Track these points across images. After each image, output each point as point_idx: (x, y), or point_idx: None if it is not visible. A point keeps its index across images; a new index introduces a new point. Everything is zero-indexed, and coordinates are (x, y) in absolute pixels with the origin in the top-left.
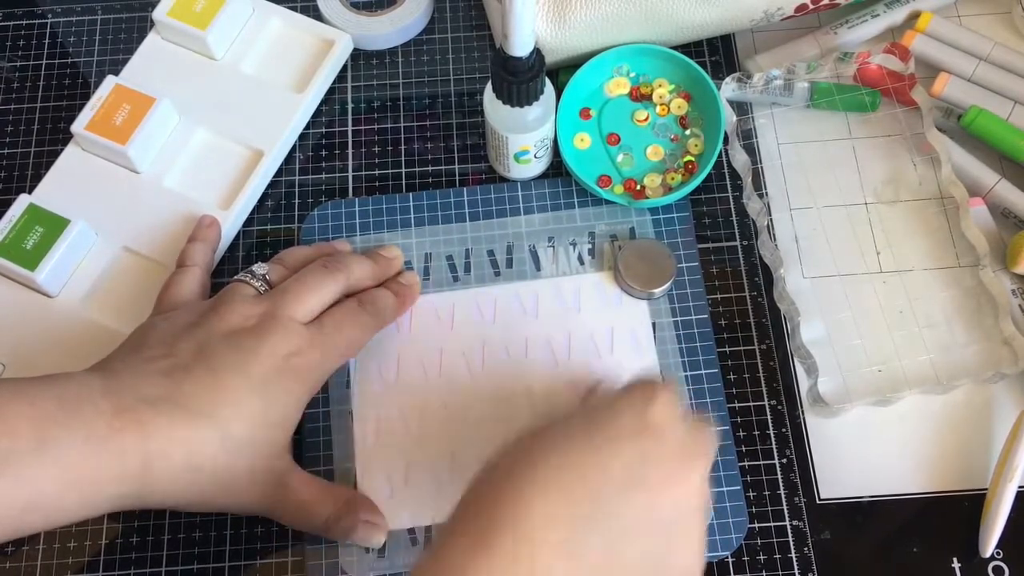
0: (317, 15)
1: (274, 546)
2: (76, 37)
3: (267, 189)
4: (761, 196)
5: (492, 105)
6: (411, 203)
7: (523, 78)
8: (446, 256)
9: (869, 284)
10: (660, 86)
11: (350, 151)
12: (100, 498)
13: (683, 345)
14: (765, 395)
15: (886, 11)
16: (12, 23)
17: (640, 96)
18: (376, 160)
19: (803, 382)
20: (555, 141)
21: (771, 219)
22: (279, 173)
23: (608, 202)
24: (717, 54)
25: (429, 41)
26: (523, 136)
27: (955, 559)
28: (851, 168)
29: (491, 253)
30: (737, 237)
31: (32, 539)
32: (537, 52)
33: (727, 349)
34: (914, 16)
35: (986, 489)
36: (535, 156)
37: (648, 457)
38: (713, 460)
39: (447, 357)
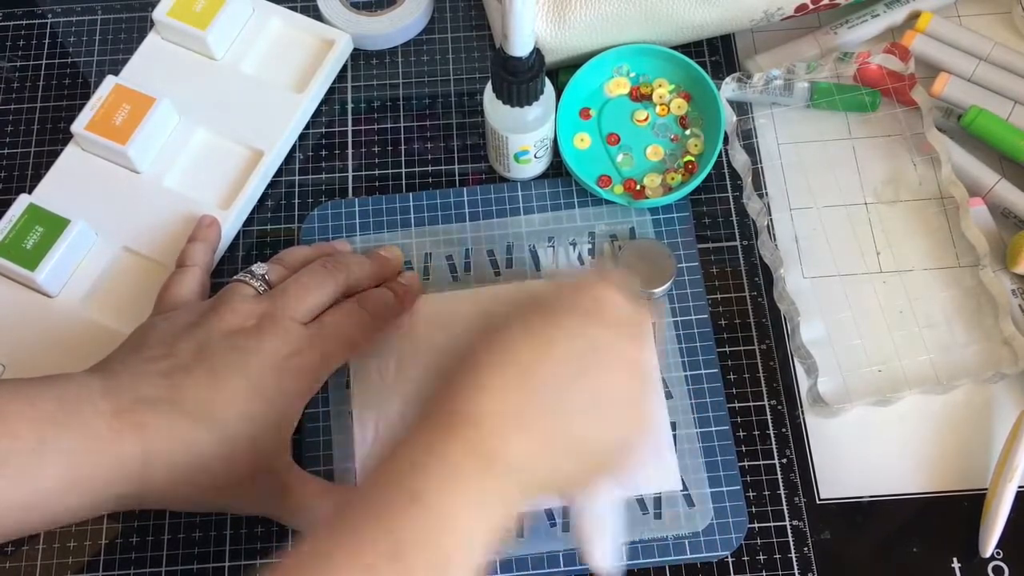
0: (317, 15)
1: (274, 546)
2: (76, 37)
3: (267, 189)
4: (761, 196)
5: (492, 105)
6: (411, 203)
7: (523, 78)
8: (446, 256)
9: (869, 284)
10: (660, 86)
11: (350, 151)
12: (100, 498)
13: (683, 345)
14: (765, 395)
15: (886, 11)
16: (12, 23)
17: (640, 96)
18: (376, 160)
19: (803, 382)
20: (555, 141)
21: (771, 219)
22: (279, 173)
23: (608, 202)
24: (717, 54)
25: (429, 41)
26: (523, 136)
27: (955, 559)
28: (851, 168)
29: (491, 253)
30: (737, 237)
31: (32, 539)
32: (537, 52)
33: (727, 349)
34: (914, 16)
35: (986, 489)
36: (535, 156)
37: (593, 338)
38: (654, 333)
39: (447, 357)
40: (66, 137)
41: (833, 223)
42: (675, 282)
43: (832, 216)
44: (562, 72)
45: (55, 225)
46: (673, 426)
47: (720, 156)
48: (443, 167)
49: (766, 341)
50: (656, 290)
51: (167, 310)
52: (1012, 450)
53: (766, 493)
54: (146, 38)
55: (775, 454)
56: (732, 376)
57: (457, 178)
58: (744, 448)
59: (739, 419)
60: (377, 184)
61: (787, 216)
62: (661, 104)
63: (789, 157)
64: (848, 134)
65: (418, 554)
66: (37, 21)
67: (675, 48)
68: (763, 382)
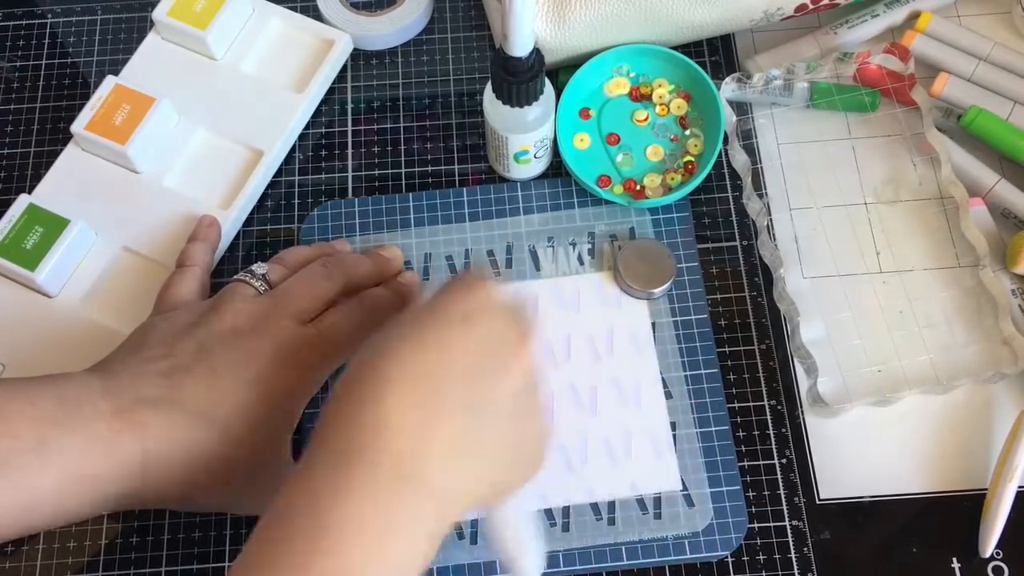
0: (317, 15)
1: None
2: (76, 37)
3: (267, 189)
4: (761, 196)
5: (492, 105)
6: (411, 203)
7: (523, 78)
8: (446, 256)
9: (869, 284)
10: (660, 86)
11: (350, 151)
12: (100, 498)
13: (683, 345)
14: (765, 395)
15: (886, 11)
16: (12, 23)
17: (640, 96)
18: (376, 160)
19: (803, 382)
20: (555, 141)
21: (771, 219)
22: (279, 173)
23: (608, 202)
24: (717, 54)
25: (429, 41)
26: (523, 136)
27: (955, 559)
28: (851, 168)
29: (491, 253)
30: (737, 237)
31: (32, 539)
32: (537, 52)
33: (727, 349)
34: (914, 16)
35: (986, 489)
36: (535, 156)
37: (481, 344)
38: (530, 339)
39: None
40: (66, 137)
41: (833, 223)
42: (675, 282)
43: (832, 216)
44: (562, 72)
45: (55, 225)
46: (673, 426)
47: (720, 156)
48: (443, 167)
49: (766, 341)
50: (656, 290)
51: (167, 310)
52: (1012, 450)
53: (766, 493)
54: (146, 38)
55: (775, 454)
56: (732, 376)
57: (457, 178)
58: (744, 448)
59: (739, 419)
60: (377, 184)
61: (787, 216)
62: (661, 104)
63: (789, 157)
64: (848, 134)
65: None
66: (37, 21)
67: (675, 48)
68: (763, 382)
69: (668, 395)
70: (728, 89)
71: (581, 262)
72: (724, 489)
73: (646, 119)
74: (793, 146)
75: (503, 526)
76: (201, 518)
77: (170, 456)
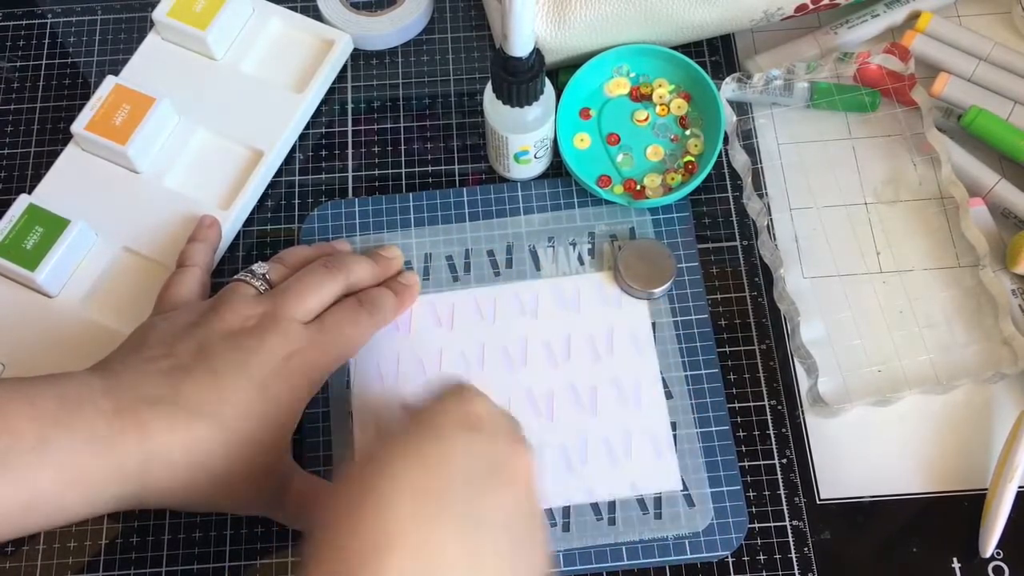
0: (317, 15)
1: (274, 546)
2: (76, 37)
3: (267, 189)
4: (761, 196)
5: (492, 105)
6: (411, 203)
7: (523, 78)
8: (446, 256)
9: (869, 284)
10: (660, 86)
11: (350, 151)
12: (100, 498)
13: (683, 345)
14: (765, 395)
15: (886, 11)
16: (12, 23)
17: (640, 96)
18: (376, 160)
19: (803, 382)
20: (555, 141)
21: (771, 219)
22: (279, 173)
23: (608, 202)
24: (717, 54)
25: (429, 41)
26: (523, 136)
27: (955, 559)
28: (851, 168)
29: (491, 253)
30: (737, 237)
31: (32, 539)
32: (537, 52)
33: (727, 349)
34: (914, 16)
35: (986, 489)
36: (535, 156)
37: (486, 450)
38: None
39: (447, 357)
40: (66, 137)
41: (833, 223)
42: (675, 282)
43: (832, 216)
44: (562, 72)
45: (55, 225)
46: (673, 426)
47: (720, 156)
48: (443, 167)
49: (766, 341)
50: (656, 290)
51: (167, 310)
52: (1012, 450)
53: (766, 493)
54: (146, 38)
55: (775, 454)
56: (732, 376)
57: (457, 178)
58: (744, 448)
59: (739, 419)
60: (377, 184)
61: (787, 216)
62: (661, 104)
63: (789, 157)
64: (848, 134)
65: None
66: (37, 21)
67: (675, 48)
68: (763, 382)
69: (668, 395)
70: (728, 89)
71: (581, 262)
72: (724, 489)
73: (646, 119)
74: (793, 146)
75: None
76: (201, 518)
77: (170, 456)
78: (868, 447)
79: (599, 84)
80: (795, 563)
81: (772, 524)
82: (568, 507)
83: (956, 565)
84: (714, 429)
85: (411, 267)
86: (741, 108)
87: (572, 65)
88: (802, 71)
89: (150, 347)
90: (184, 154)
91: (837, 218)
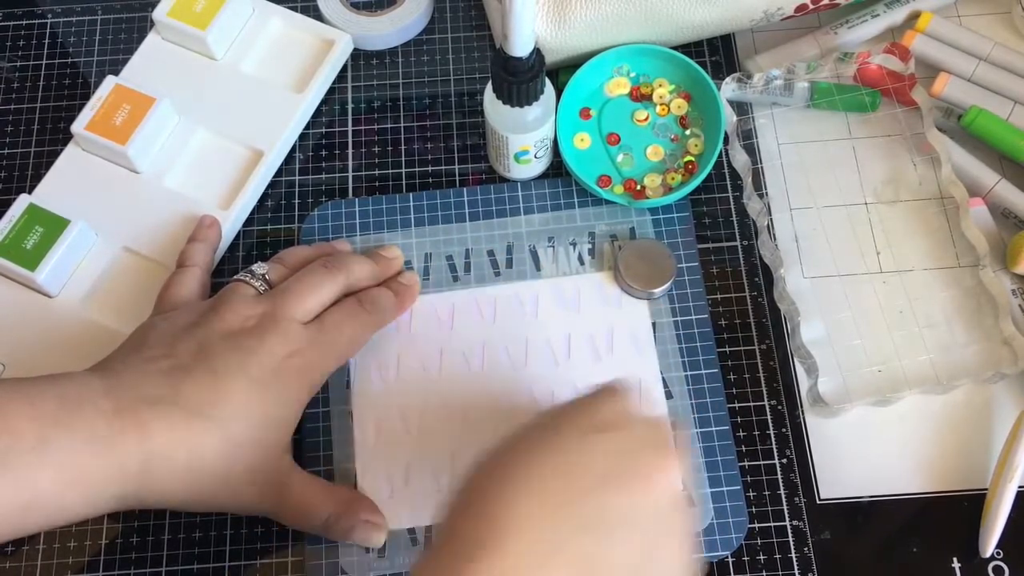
0: (317, 15)
1: (274, 546)
2: (76, 37)
3: (267, 189)
4: (761, 196)
5: (492, 105)
6: (411, 203)
7: (523, 78)
8: (446, 256)
9: (869, 284)
10: (660, 86)
11: (350, 151)
12: (100, 498)
13: (683, 345)
14: (765, 395)
15: (886, 11)
16: (12, 23)
17: (640, 96)
18: (376, 160)
19: (803, 382)
20: (555, 141)
21: (771, 219)
22: (279, 173)
23: (608, 202)
24: (717, 54)
25: (429, 41)
26: (523, 136)
27: (955, 559)
28: (851, 168)
29: (491, 253)
30: (737, 237)
31: (32, 539)
32: (537, 52)
33: (727, 349)
34: (914, 16)
35: (986, 489)
36: (535, 156)
37: (620, 451)
38: (676, 456)
39: (447, 357)
40: (66, 137)
41: (833, 223)
42: (675, 282)
43: (832, 216)
44: (562, 72)
45: (55, 225)
46: (673, 426)
47: (720, 156)
48: (443, 167)
49: (766, 341)
50: (656, 290)
51: (167, 310)
52: (1012, 450)
53: (766, 493)
54: (146, 38)
55: (775, 454)
56: (732, 376)
57: (457, 178)
58: (744, 448)
59: (739, 419)
60: (377, 184)
61: (787, 216)
62: (661, 104)
63: (789, 157)
64: (848, 134)
65: None
66: (37, 21)
67: (675, 48)
68: (763, 382)
69: (668, 395)
70: (728, 89)
71: (581, 262)
72: (724, 489)
73: (646, 119)
74: (793, 146)
75: None
76: (201, 518)
77: (170, 456)
78: (868, 447)
79: (599, 84)
80: (795, 563)
81: (772, 524)
82: None
83: (956, 565)
84: (714, 429)
85: (411, 267)
86: (741, 108)
87: (572, 65)
88: (802, 71)
89: (150, 347)
90: (184, 154)
91: (837, 218)
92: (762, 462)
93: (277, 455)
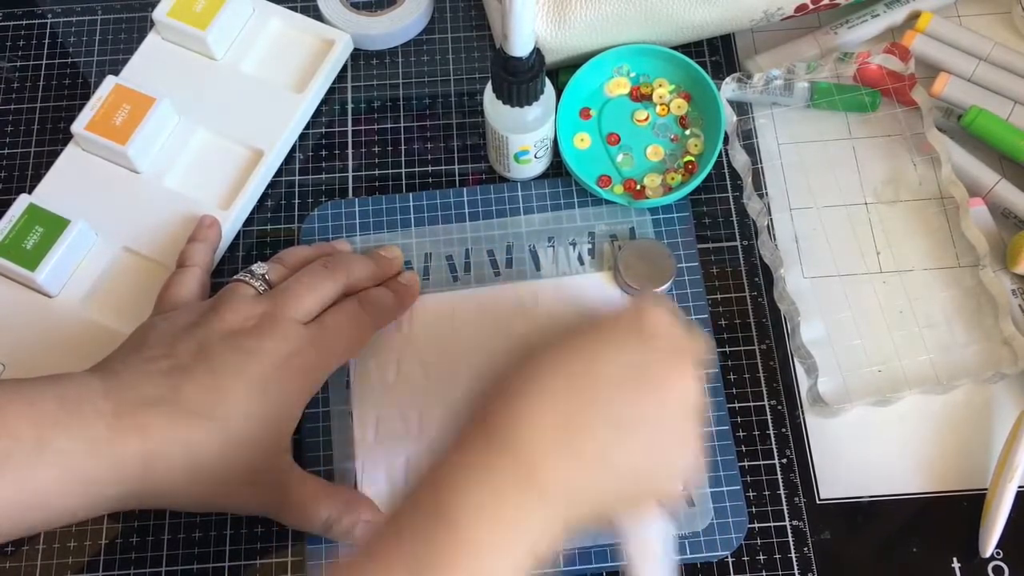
0: (317, 15)
1: (274, 546)
2: (76, 37)
3: (267, 189)
4: (761, 196)
5: (492, 105)
6: (411, 203)
7: (523, 78)
8: (446, 256)
9: (869, 284)
10: (660, 86)
11: (350, 151)
12: (100, 498)
13: None
14: (765, 395)
15: (886, 11)
16: (12, 23)
17: (640, 96)
18: (376, 160)
19: (803, 382)
20: (555, 141)
21: (771, 219)
22: (279, 173)
23: (608, 202)
24: (717, 54)
25: (429, 41)
26: (523, 136)
27: (955, 559)
28: (851, 168)
29: (491, 253)
30: (737, 237)
31: (32, 539)
32: (537, 52)
33: (727, 349)
34: (914, 16)
35: (986, 489)
36: (535, 156)
37: (644, 358)
38: (706, 364)
39: (447, 357)
40: (66, 137)
41: (833, 223)
42: (675, 282)
43: (832, 216)
44: (562, 72)
45: (55, 225)
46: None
47: (720, 156)
48: (443, 167)
49: (766, 341)
50: (656, 290)
51: (167, 310)
52: (1012, 450)
53: (766, 493)
54: (146, 38)
55: (775, 454)
56: (732, 376)
57: (457, 178)
58: (744, 448)
59: (739, 419)
60: (377, 184)
61: (787, 216)
62: (661, 104)
63: (789, 157)
64: (848, 134)
65: None
66: (37, 21)
67: (675, 48)
68: (763, 382)
69: None
70: (728, 89)
71: (581, 262)
72: (724, 489)
73: (646, 119)
74: (793, 146)
75: (628, 541)
76: (201, 518)
77: (170, 456)
78: (868, 447)
79: (599, 84)
80: (795, 563)
81: (772, 524)
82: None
83: (956, 565)
84: (714, 429)
85: (411, 267)
86: (741, 108)
87: (572, 65)
88: (802, 71)
89: (150, 347)
90: (184, 154)
91: (837, 218)
92: (762, 462)
93: (277, 455)
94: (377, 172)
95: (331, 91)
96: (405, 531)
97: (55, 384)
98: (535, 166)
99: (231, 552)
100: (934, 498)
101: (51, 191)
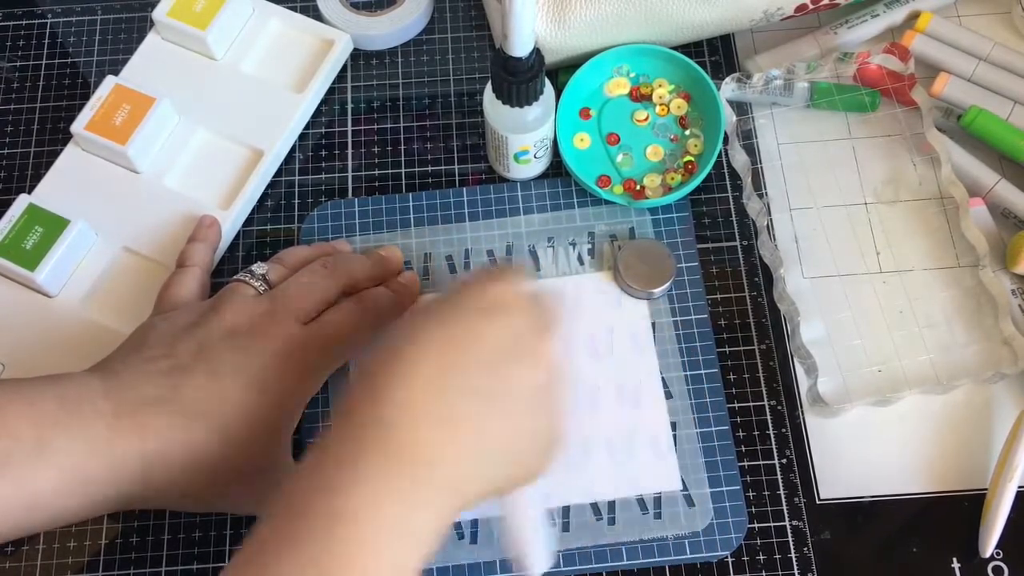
0: (317, 15)
1: None
2: (76, 37)
3: (267, 189)
4: (761, 196)
5: (492, 105)
6: (411, 203)
7: (523, 78)
8: (446, 256)
9: (869, 284)
10: (660, 86)
11: (350, 151)
12: (100, 498)
13: (683, 345)
14: (765, 395)
15: (886, 11)
16: (12, 23)
17: (640, 96)
18: (376, 160)
19: (803, 382)
20: (555, 141)
21: (771, 219)
22: (279, 173)
23: (608, 202)
24: (717, 54)
25: (429, 41)
26: (523, 136)
27: (955, 559)
28: (851, 168)
29: (491, 253)
30: (737, 237)
31: (32, 539)
32: (537, 52)
33: (727, 349)
34: (914, 16)
35: (986, 489)
36: (535, 156)
37: (505, 330)
38: (557, 325)
39: None
40: (66, 137)
41: (833, 223)
42: (675, 282)
43: (832, 216)
44: (562, 72)
45: (55, 225)
46: (673, 426)
47: (720, 156)
48: (443, 167)
49: (766, 341)
50: (656, 290)
51: (167, 310)
52: (1012, 450)
53: (766, 493)
54: (146, 38)
55: (775, 454)
56: (732, 376)
57: (457, 178)
58: (744, 448)
59: (739, 419)
60: (377, 184)
61: (787, 216)
62: (661, 104)
63: (789, 157)
64: (848, 134)
65: None
66: (37, 21)
67: (675, 48)
68: (763, 382)
69: (668, 395)
70: (728, 89)
71: (581, 262)
72: (724, 489)
73: (646, 119)
74: (793, 146)
75: (512, 518)
76: (201, 518)
77: (170, 457)
78: (868, 447)
79: (599, 84)
80: (795, 563)
81: (772, 524)
82: (568, 507)
83: (956, 565)
84: (714, 429)
85: (411, 267)
86: (741, 108)
87: (572, 65)
88: (802, 71)
89: (150, 347)
90: (184, 154)
91: (837, 218)
92: (762, 462)
93: (277, 455)
94: (377, 172)
95: (331, 91)
96: (294, 535)
97: (55, 384)
98: (535, 166)
99: (231, 552)
100: (934, 498)
101: (51, 191)
